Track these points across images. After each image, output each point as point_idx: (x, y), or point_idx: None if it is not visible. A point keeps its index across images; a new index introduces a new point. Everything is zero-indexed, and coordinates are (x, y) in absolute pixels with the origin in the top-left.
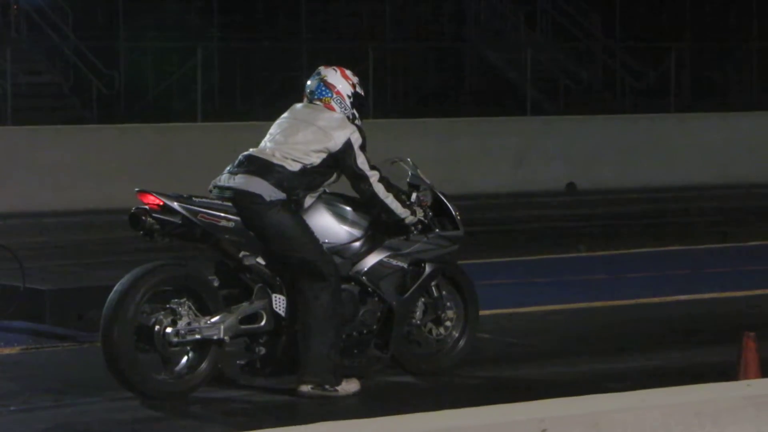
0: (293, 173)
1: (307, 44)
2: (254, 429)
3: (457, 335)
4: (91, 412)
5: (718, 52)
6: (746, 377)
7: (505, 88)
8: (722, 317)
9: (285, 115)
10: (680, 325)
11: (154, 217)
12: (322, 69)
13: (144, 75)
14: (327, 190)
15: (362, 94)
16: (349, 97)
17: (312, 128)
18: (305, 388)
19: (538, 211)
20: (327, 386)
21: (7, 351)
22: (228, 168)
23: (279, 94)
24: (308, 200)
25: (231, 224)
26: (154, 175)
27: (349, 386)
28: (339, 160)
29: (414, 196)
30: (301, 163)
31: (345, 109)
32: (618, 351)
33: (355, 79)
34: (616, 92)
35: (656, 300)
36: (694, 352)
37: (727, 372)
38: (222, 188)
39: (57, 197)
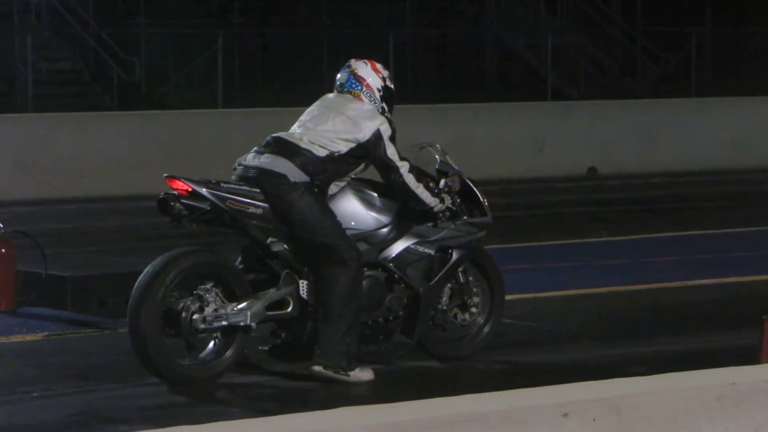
0: (319, 158)
1: (328, 30)
2: (278, 414)
3: (482, 321)
4: (114, 398)
5: (738, 36)
6: None
7: (525, 73)
8: (744, 301)
9: (316, 103)
10: (702, 309)
11: (182, 203)
12: (352, 62)
13: (165, 61)
14: (353, 177)
15: (392, 87)
16: (378, 90)
17: (341, 117)
18: (317, 368)
19: (560, 196)
20: (339, 369)
21: (29, 337)
22: (255, 148)
23: (300, 80)
24: (333, 188)
25: (259, 211)
26: (175, 161)
27: (362, 374)
28: (368, 151)
29: (442, 182)
30: (327, 149)
31: (374, 102)
32: (640, 335)
33: (386, 73)
34: (636, 77)
35: (678, 284)
36: (716, 336)
37: (749, 356)
38: (247, 167)
39: (78, 184)
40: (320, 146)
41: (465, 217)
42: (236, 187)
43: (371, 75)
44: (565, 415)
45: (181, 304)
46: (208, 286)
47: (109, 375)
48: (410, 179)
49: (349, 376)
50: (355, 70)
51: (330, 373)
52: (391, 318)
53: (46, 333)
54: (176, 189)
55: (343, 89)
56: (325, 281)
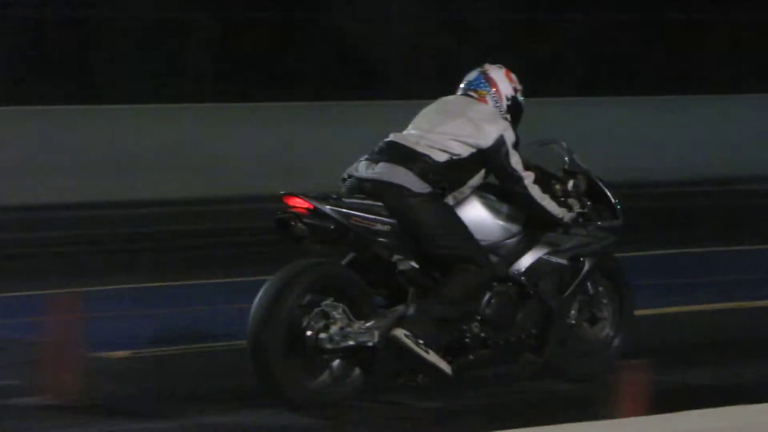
0: (439, 164)
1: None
2: None
3: (612, 334)
4: None
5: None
6: None
7: None
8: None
9: (432, 104)
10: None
11: (304, 223)
12: (486, 64)
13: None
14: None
15: (522, 102)
16: (507, 98)
17: (462, 119)
18: (399, 332)
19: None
20: (421, 342)
21: None
22: (366, 155)
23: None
24: (450, 200)
25: (386, 227)
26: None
27: (442, 362)
28: (489, 158)
29: (570, 183)
30: (447, 153)
31: (500, 109)
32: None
33: (520, 86)
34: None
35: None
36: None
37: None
38: (360, 179)
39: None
40: (439, 150)
41: (597, 222)
42: (359, 201)
43: (503, 81)
44: None
45: (305, 323)
46: (333, 302)
47: None
48: (535, 191)
49: (428, 353)
50: (488, 72)
51: (411, 343)
52: (523, 336)
53: None
54: (295, 207)
55: (469, 87)
56: (456, 272)
